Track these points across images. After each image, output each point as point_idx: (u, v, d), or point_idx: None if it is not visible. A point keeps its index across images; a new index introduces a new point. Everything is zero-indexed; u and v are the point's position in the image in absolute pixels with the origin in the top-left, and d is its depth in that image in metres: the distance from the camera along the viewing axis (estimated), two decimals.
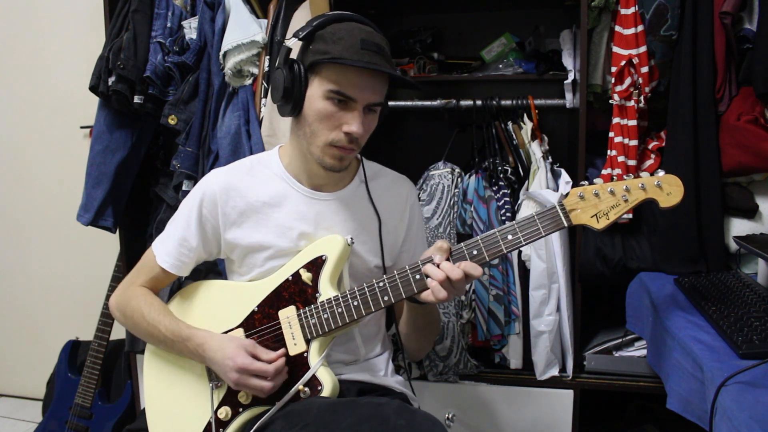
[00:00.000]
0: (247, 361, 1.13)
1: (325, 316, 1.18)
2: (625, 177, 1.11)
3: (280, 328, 1.21)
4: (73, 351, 2.16)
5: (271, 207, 1.25)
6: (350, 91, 1.13)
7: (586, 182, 1.12)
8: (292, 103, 1.16)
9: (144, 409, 1.33)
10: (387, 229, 1.31)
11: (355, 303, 1.16)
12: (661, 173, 1.08)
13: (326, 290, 1.19)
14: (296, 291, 1.22)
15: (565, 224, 1.10)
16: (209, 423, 1.21)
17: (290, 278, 1.22)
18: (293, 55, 1.18)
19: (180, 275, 1.31)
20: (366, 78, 1.14)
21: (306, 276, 1.21)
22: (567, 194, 1.12)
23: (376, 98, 1.17)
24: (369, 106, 1.16)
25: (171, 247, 1.29)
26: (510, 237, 1.11)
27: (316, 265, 1.21)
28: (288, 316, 1.21)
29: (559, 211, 1.10)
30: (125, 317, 1.31)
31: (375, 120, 1.21)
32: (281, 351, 1.18)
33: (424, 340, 1.41)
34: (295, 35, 1.17)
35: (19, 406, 2.65)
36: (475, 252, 1.11)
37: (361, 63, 1.11)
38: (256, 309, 1.24)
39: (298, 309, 1.20)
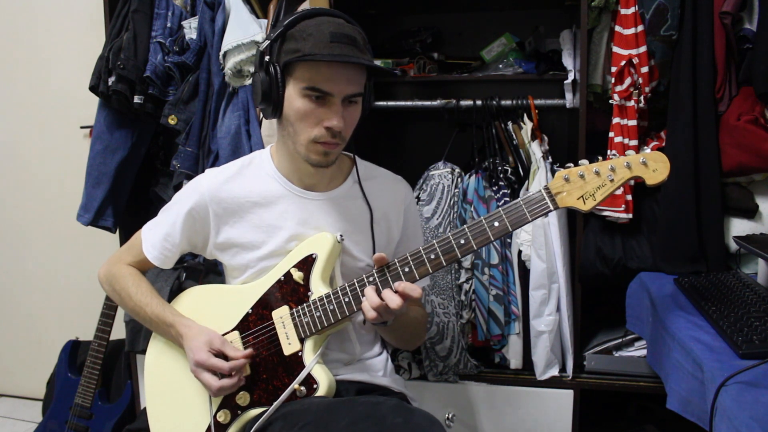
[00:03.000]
0: (204, 357, 1.17)
1: (318, 314, 1.18)
2: (610, 156, 1.09)
3: (275, 329, 1.21)
4: (73, 351, 2.16)
5: (261, 207, 1.25)
6: (325, 86, 1.12)
7: (572, 165, 1.10)
8: (272, 105, 1.16)
9: (144, 409, 1.33)
10: (380, 228, 1.30)
11: (347, 299, 1.16)
12: (647, 150, 1.07)
13: (318, 288, 1.19)
14: (288, 290, 1.22)
15: (552, 207, 1.08)
16: (209, 426, 1.21)
17: (282, 278, 1.22)
18: (272, 56, 1.17)
19: (163, 267, 1.33)
20: (339, 71, 1.13)
21: (297, 275, 1.21)
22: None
23: (352, 89, 1.15)
24: (347, 98, 1.15)
25: (156, 239, 1.31)
26: (497, 224, 1.10)
27: (306, 264, 1.21)
28: (281, 316, 1.21)
29: (545, 194, 1.09)
30: (114, 291, 1.35)
31: (357, 111, 1.20)
32: (247, 352, 1.19)
33: (409, 344, 1.42)
34: (267, 37, 1.17)
35: (19, 406, 2.65)
36: (462, 241, 1.11)
37: (329, 56, 1.10)
38: (250, 311, 1.24)
39: (290, 308, 1.20)
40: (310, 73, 1.12)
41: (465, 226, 1.12)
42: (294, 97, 1.14)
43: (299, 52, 1.12)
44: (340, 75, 1.13)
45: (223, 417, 1.21)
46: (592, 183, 1.07)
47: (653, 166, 1.05)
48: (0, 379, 2.75)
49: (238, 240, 1.26)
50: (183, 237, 1.28)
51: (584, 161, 1.09)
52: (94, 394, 2.00)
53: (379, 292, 1.11)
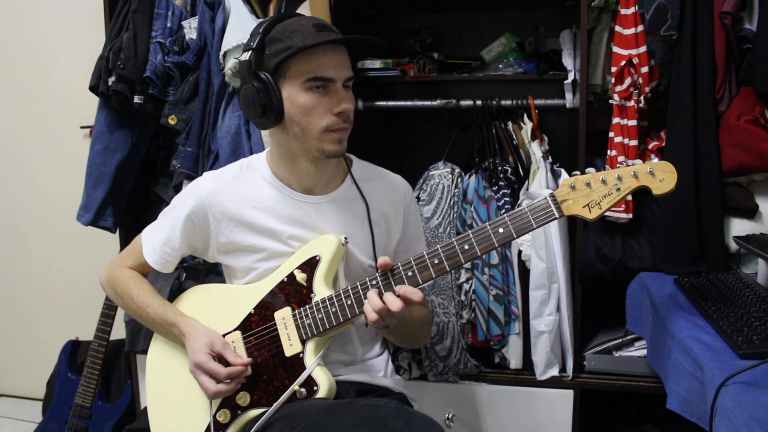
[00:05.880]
0: (204, 360, 1.17)
1: (320, 316, 1.18)
2: (618, 165, 1.08)
3: (276, 330, 1.21)
4: (73, 351, 2.16)
5: (260, 211, 1.25)
6: (326, 73, 1.14)
7: (578, 173, 1.10)
8: (273, 112, 1.16)
9: (144, 408, 1.33)
10: (380, 228, 1.30)
11: (349, 302, 1.16)
12: (654, 160, 1.06)
13: (321, 290, 1.19)
14: (291, 292, 1.22)
15: (557, 215, 1.08)
16: (209, 426, 1.21)
17: (285, 279, 1.23)
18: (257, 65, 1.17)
19: (164, 272, 1.33)
20: (335, 56, 1.16)
21: (300, 277, 1.21)
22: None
23: (349, 72, 1.19)
24: (345, 82, 1.18)
25: (156, 244, 1.31)
26: (501, 230, 1.10)
27: (310, 266, 1.21)
28: (284, 317, 1.21)
29: (550, 201, 1.08)
30: (116, 295, 1.35)
31: (352, 95, 1.22)
32: (247, 360, 1.19)
33: (412, 344, 1.43)
34: (246, 48, 1.17)
35: (19, 406, 2.65)
36: (466, 247, 1.11)
37: (334, 40, 1.13)
38: (252, 311, 1.24)
39: (293, 310, 1.20)
40: (308, 65, 1.14)
41: (469, 231, 1.11)
42: (296, 94, 1.15)
43: (291, 48, 1.12)
44: (336, 60, 1.16)
45: (222, 417, 1.21)
46: (598, 191, 1.07)
47: (660, 176, 1.05)
48: (0, 379, 2.75)
49: (240, 244, 1.26)
50: (183, 241, 1.29)
51: (591, 169, 1.09)
52: (94, 394, 2.00)
53: (381, 295, 1.11)
